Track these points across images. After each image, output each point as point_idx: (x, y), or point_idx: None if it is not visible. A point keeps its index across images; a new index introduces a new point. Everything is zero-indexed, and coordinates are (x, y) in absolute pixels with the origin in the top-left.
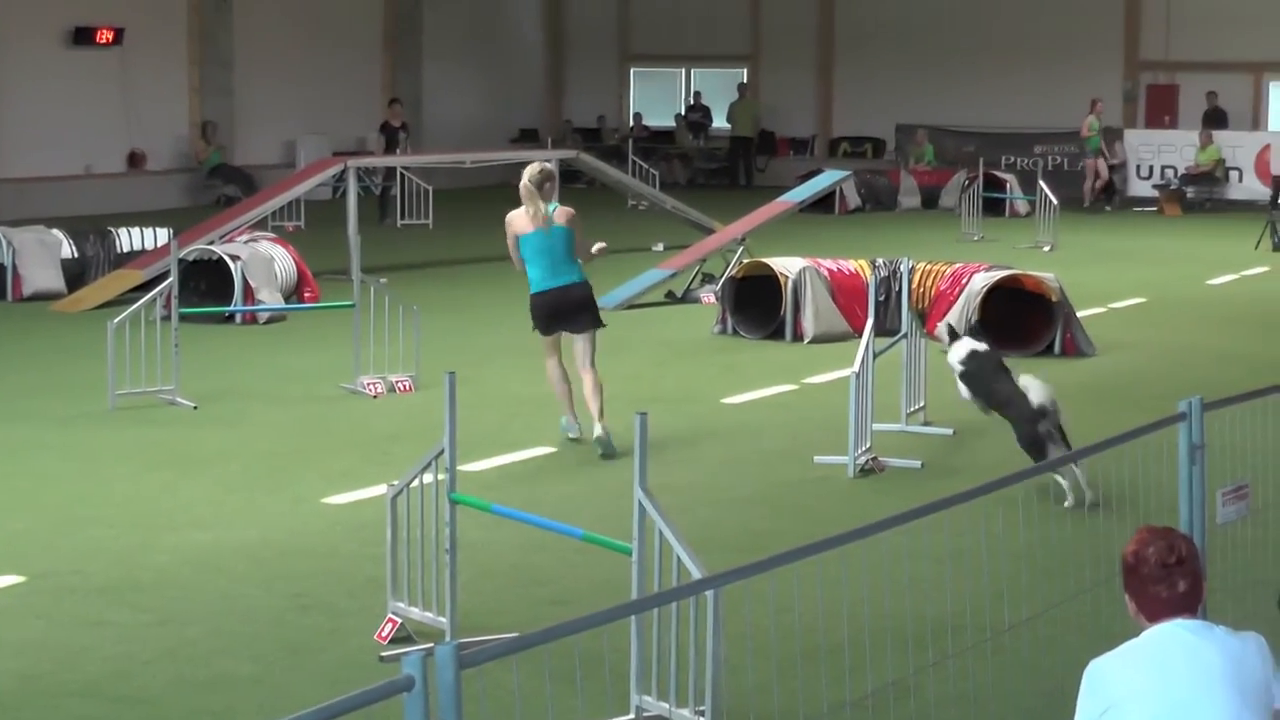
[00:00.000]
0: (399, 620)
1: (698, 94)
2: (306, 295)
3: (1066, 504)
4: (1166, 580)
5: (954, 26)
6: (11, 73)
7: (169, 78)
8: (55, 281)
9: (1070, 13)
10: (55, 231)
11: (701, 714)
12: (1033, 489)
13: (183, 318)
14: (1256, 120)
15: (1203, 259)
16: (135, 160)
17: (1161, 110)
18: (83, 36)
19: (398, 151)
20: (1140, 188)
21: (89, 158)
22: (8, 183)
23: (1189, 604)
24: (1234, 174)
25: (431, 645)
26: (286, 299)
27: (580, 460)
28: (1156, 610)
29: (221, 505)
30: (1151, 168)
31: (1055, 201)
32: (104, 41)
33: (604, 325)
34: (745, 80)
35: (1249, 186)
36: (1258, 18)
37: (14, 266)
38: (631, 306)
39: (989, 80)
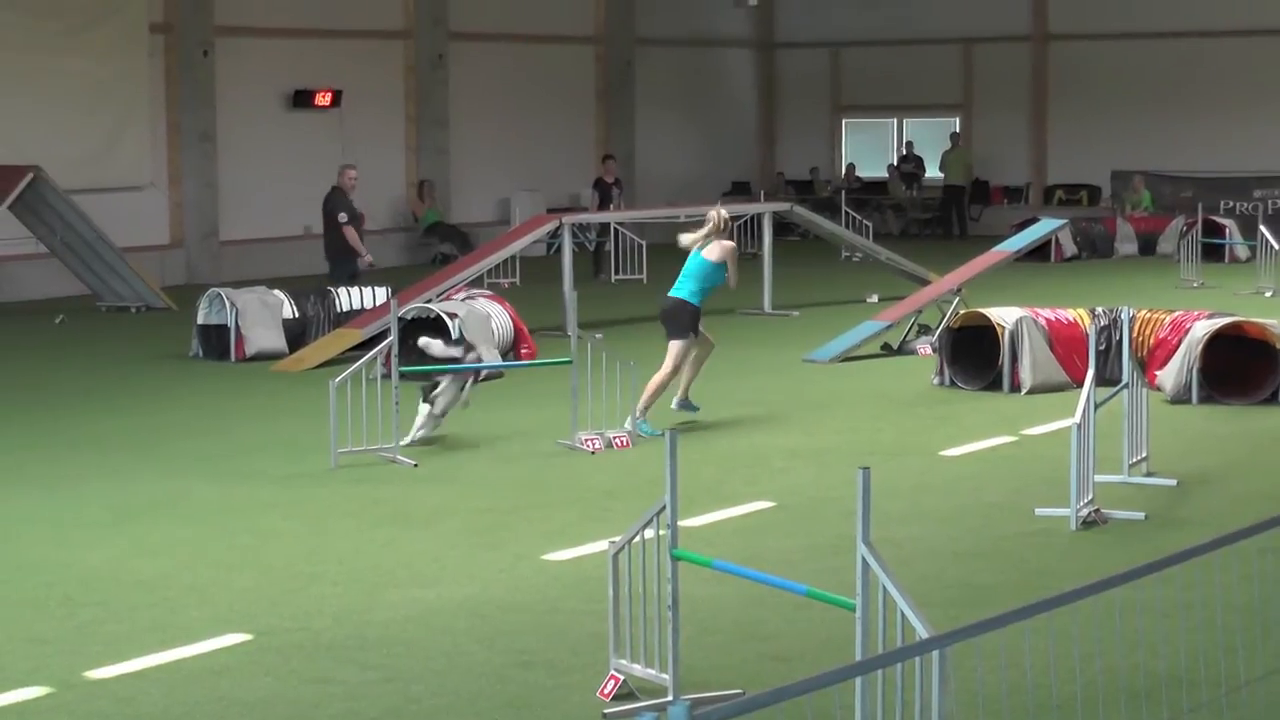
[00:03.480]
0: (621, 677)
1: (910, 144)
2: (524, 352)
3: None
4: None
5: (1168, 70)
6: (233, 136)
7: (386, 138)
8: (277, 341)
9: None
10: (276, 292)
11: None
12: (1263, 542)
13: (402, 376)
14: None
15: None
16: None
17: None
18: (302, 99)
19: (611, 207)
20: None
21: (308, 218)
22: (230, 244)
23: None
24: None
25: (663, 702)
26: (504, 356)
27: (800, 515)
28: None
29: (443, 562)
30: None
31: (1277, 246)
32: (323, 104)
33: (686, 339)
34: (958, 129)
35: None
36: None
37: (237, 327)
38: (848, 359)
39: (1205, 124)
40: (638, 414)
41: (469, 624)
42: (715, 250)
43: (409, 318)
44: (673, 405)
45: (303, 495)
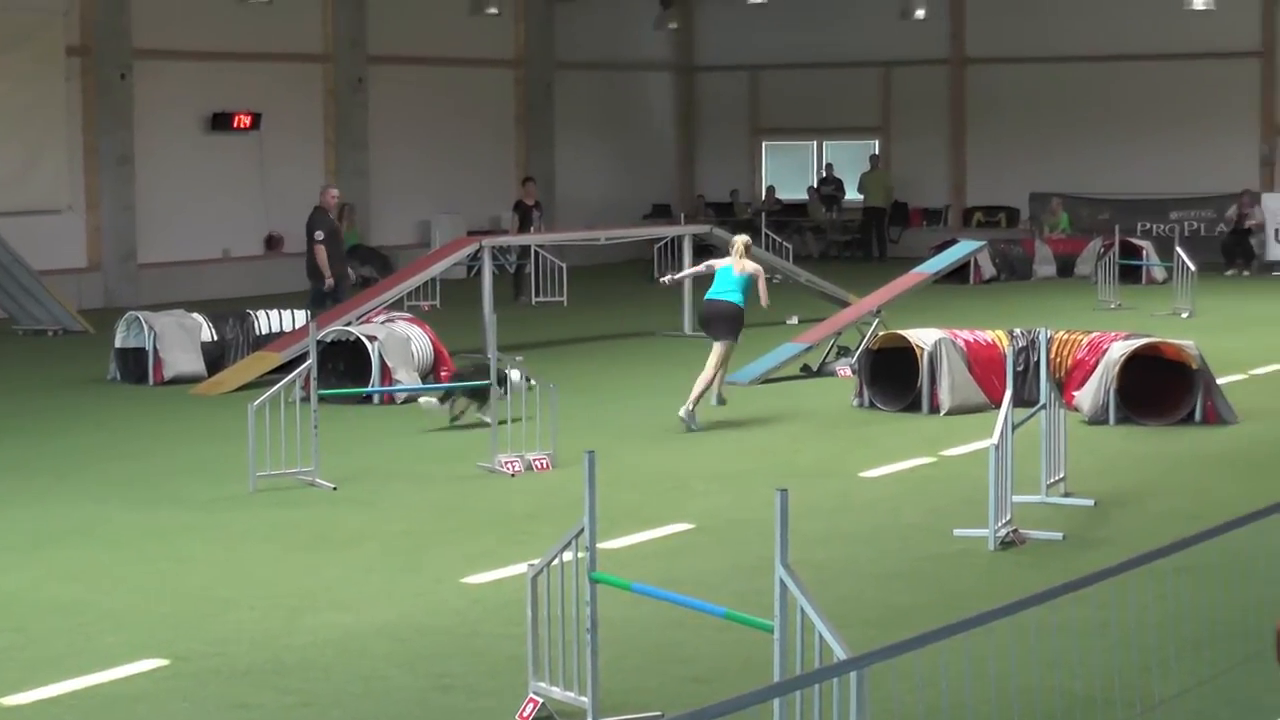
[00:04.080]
0: (540, 700)
1: (830, 166)
2: (443, 374)
3: None
4: None
5: (1085, 93)
6: (151, 158)
7: (305, 160)
8: (195, 365)
9: (1204, 77)
10: (195, 315)
11: None
12: (1179, 561)
13: (321, 399)
14: None
15: None
16: (273, 243)
17: None
18: (221, 122)
19: (532, 230)
20: (1279, 251)
21: (227, 241)
22: (148, 267)
23: None
24: None
25: None
26: (424, 378)
27: (720, 536)
28: None
29: (362, 586)
30: None
31: (1193, 267)
32: (241, 126)
33: (734, 341)
34: (877, 151)
35: None
36: None
37: (155, 350)
38: (767, 381)
39: (1123, 146)
40: (691, 409)
41: (388, 648)
42: (747, 267)
43: (328, 340)
44: (680, 412)
45: (221, 519)
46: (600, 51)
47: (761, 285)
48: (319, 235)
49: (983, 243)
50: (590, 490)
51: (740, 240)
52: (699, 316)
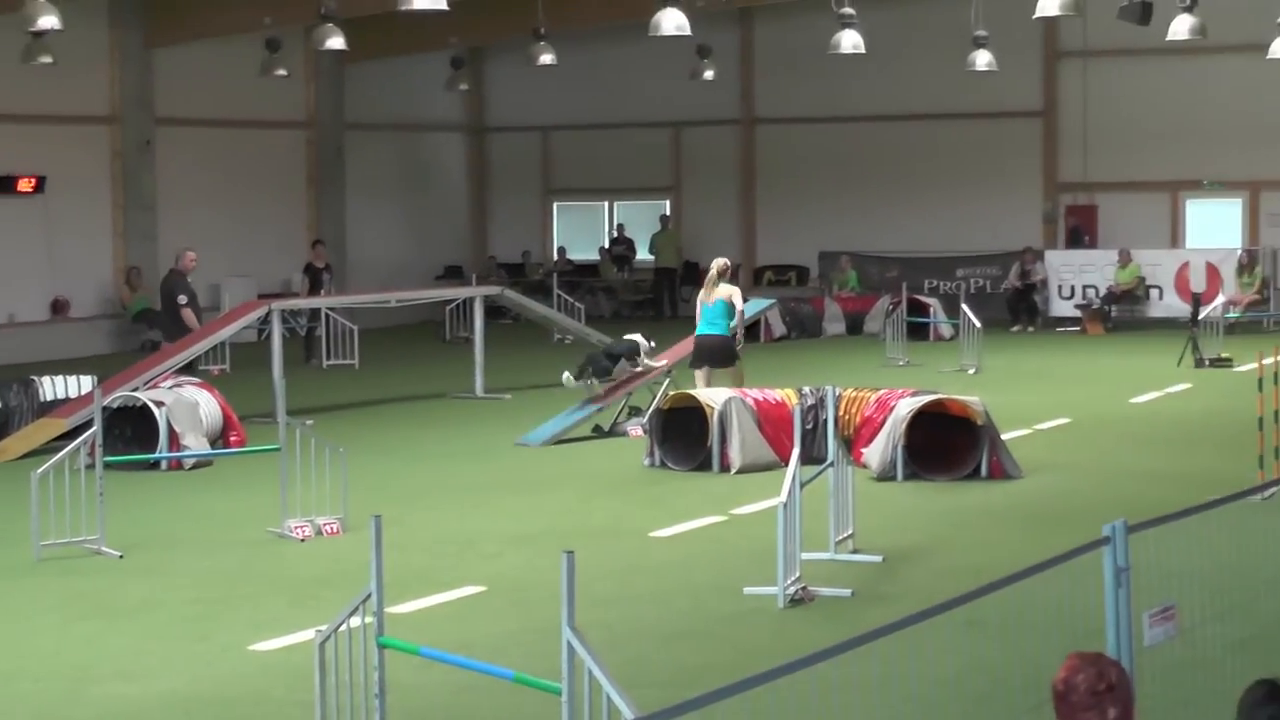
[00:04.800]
0: None
1: (621, 226)
2: (232, 439)
3: None
4: (1097, 708)
5: (874, 152)
6: None
7: (93, 224)
8: None
9: (988, 136)
10: None
11: None
12: (966, 615)
13: (107, 466)
14: (1175, 238)
15: (1126, 377)
16: (58, 307)
17: (1081, 230)
18: (4, 185)
19: (322, 292)
20: (1062, 308)
21: (11, 306)
22: None
23: None
24: (1154, 292)
25: None
26: (212, 443)
27: (511, 599)
28: None
29: (148, 655)
30: (1073, 287)
31: (979, 324)
32: (26, 190)
33: (737, 362)
34: (668, 211)
35: (1169, 304)
36: (1173, 138)
37: None
38: (560, 441)
39: (910, 205)
40: None
41: (173, 718)
42: (725, 293)
43: (114, 407)
44: None
45: (3, 589)
46: (391, 112)
47: (739, 306)
48: (182, 299)
49: (772, 301)
50: (377, 555)
51: (714, 266)
52: (694, 353)
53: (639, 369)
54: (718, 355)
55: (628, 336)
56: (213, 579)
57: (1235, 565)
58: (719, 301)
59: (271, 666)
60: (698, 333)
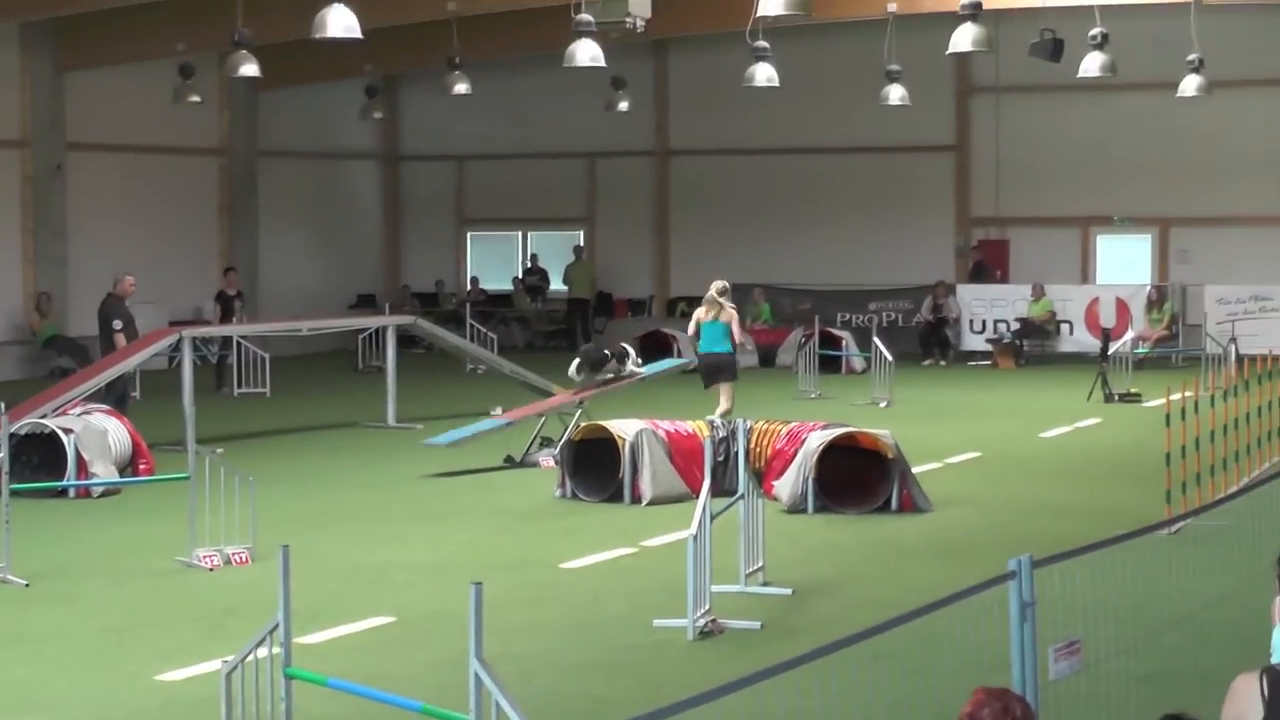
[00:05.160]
0: None
1: (535, 256)
2: (141, 467)
3: None
4: None
5: (787, 185)
6: None
7: (2, 249)
8: None
9: (900, 170)
10: None
11: None
12: (874, 648)
13: (14, 493)
14: (1085, 274)
15: (1036, 412)
16: None
17: (994, 264)
18: None
19: (234, 320)
20: (974, 342)
21: None
22: None
23: None
24: (1065, 327)
25: None
26: (121, 471)
27: (421, 630)
28: None
29: (53, 686)
30: (985, 322)
31: (890, 358)
32: None
33: (734, 380)
34: (581, 242)
35: (1079, 339)
36: (1084, 173)
37: None
38: (472, 471)
39: (823, 238)
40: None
41: None
42: (724, 315)
43: (22, 434)
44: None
45: None
46: (305, 140)
47: (736, 328)
48: (117, 324)
49: (684, 360)
50: (285, 585)
51: (714, 286)
52: (700, 370)
53: (625, 374)
54: (722, 372)
55: (623, 344)
56: (120, 608)
57: (1141, 600)
58: (719, 322)
59: (178, 697)
60: (701, 350)
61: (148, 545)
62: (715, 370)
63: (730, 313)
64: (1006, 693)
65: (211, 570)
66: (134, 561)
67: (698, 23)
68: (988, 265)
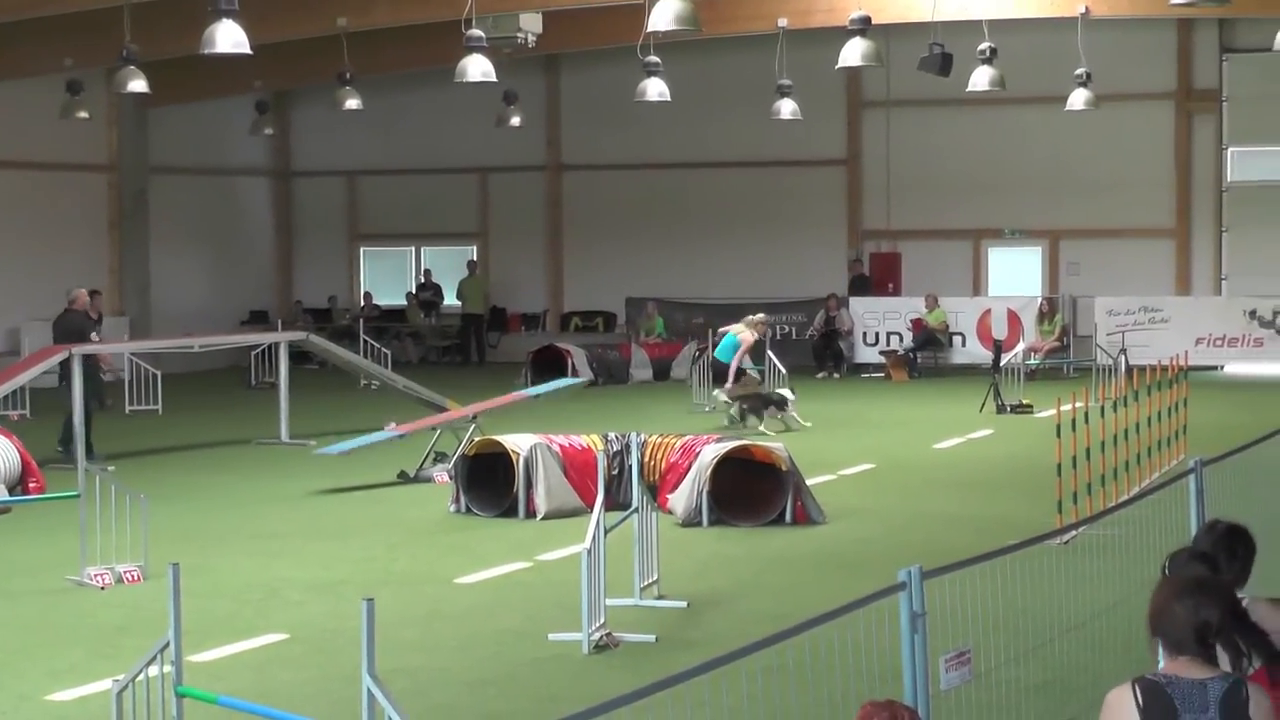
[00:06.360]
0: None
1: (428, 272)
2: (31, 486)
3: None
4: None
5: (680, 199)
6: None
7: None
8: None
9: (793, 184)
10: None
11: None
12: (767, 660)
13: None
14: (977, 286)
15: (929, 423)
16: None
17: (885, 278)
18: None
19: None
20: (867, 354)
21: None
22: None
23: None
24: (957, 339)
25: None
26: (10, 490)
27: (314, 647)
28: None
29: None
30: (877, 334)
31: (784, 370)
32: None
33: (734, 382)
34: (475, 257)
35: (972, 351)
36: (975, 186)
37: None
38: (366, 487)
39: (716, 251)
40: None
41: None
42: (742, 335)
43: None
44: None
45: None
46: (196, 156)
47: (742, 349)
48: (95, 336)
49: (583, 379)
50: (175, 602)
51: (752, 318)
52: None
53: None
54: (719, 377)
55: (787, 392)
56: (10, 628)
57: (1033, 609)
58: (732, 337)
59: (69, 717)
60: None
61: (38, 564)
62: (719, 376)
63: (746, 339)
64: (893, 703)
65: (103, 589)
66: (24, 581)
67: (589, 38)
68: (867, 277)
